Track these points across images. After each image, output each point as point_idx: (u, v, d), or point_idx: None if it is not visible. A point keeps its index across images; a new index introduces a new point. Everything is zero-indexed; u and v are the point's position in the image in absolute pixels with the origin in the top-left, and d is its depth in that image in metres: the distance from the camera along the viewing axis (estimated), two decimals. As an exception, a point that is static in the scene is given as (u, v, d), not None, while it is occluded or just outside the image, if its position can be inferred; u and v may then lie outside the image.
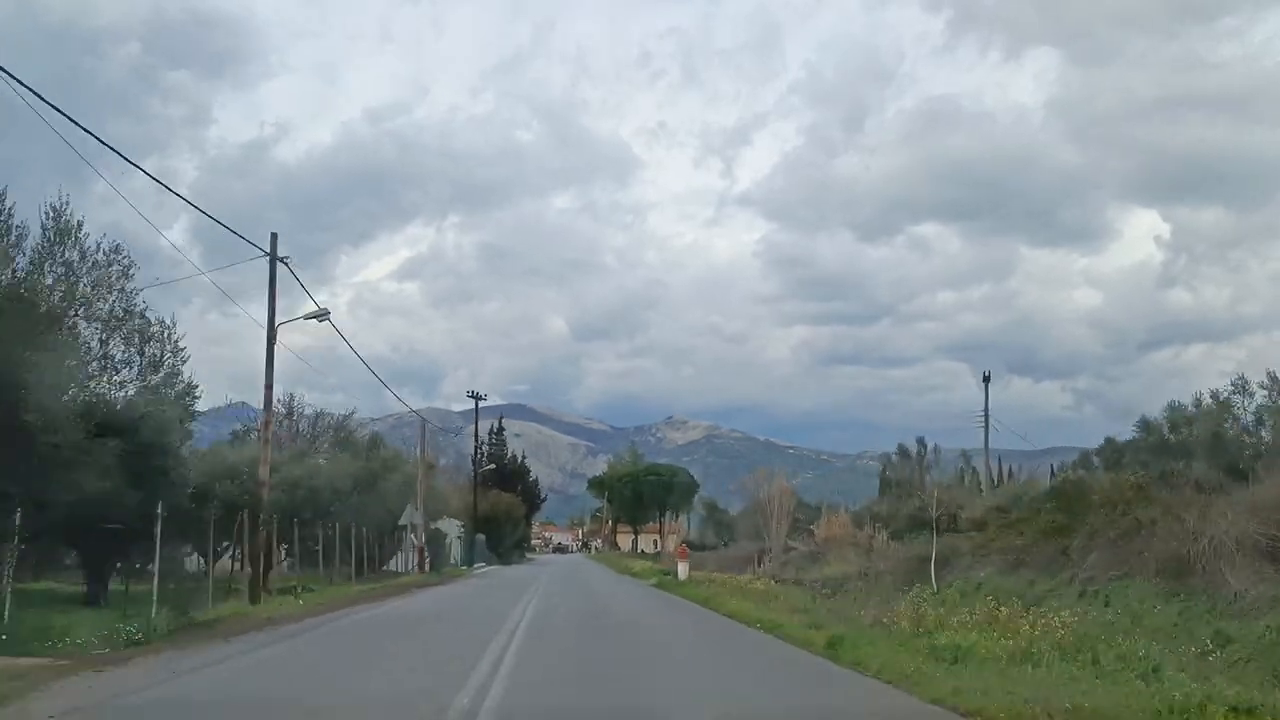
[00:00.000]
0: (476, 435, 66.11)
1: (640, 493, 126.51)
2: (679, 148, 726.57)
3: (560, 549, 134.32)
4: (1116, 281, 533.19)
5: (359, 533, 36.06)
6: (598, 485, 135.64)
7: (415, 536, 41.57)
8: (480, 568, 59.35)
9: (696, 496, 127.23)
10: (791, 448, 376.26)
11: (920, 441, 52.63)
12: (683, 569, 41.19)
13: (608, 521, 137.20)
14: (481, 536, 65.08)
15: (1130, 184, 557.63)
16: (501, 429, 78.32)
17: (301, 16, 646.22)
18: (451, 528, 63.07)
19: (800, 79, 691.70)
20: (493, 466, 74.33)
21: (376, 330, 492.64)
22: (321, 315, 25.38)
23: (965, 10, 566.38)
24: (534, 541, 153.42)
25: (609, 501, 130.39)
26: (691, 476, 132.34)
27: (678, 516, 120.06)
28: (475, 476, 67.36)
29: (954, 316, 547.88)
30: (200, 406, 25.45)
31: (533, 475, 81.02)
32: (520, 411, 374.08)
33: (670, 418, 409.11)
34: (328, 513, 32.15)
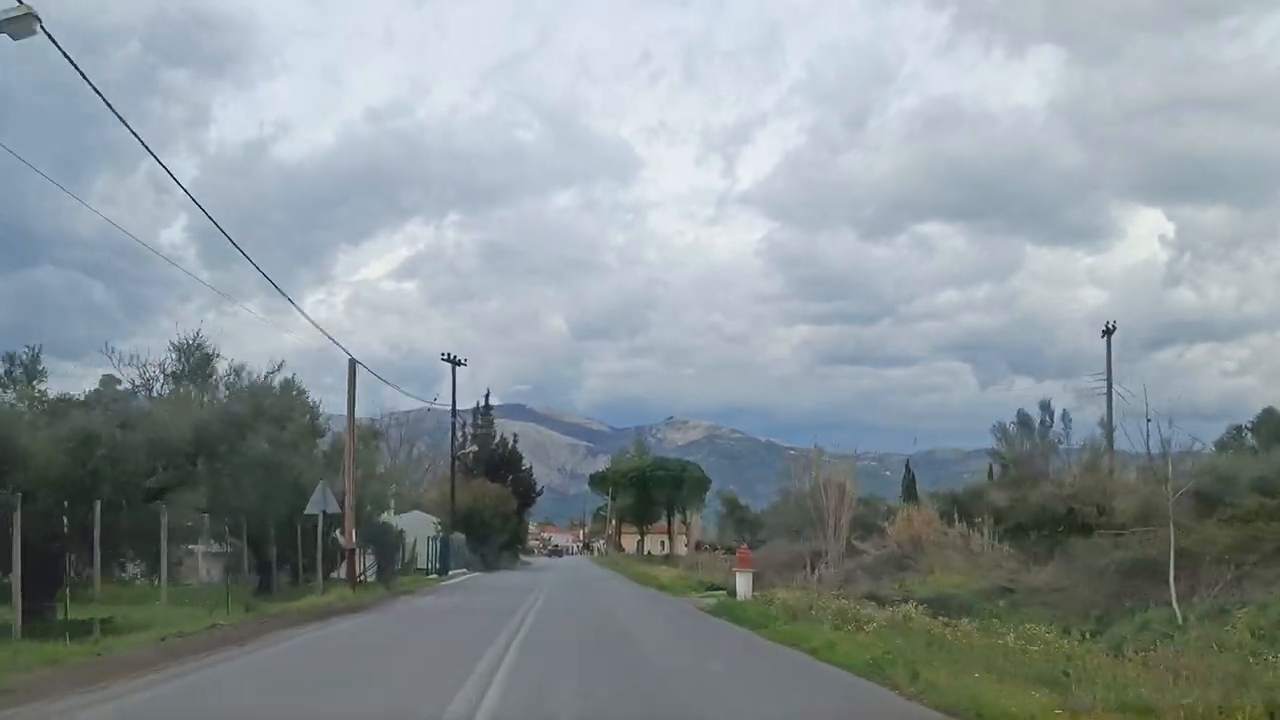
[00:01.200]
0: (454, 408, 51.39)
1: (647, 489, 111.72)
2: (680, 146, 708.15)
3: (555, 551, 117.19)
4: (1121, 281, 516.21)
5: (236, 525, 21.30)
6: (600, 481, 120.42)
7: (341, 536, 26.75)
8: (458, 575, 44.62)
9: (709, 493, 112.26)
10: (792, 448, 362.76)
11: (1045, 408, 37.87)
12: (743, 583, 26.53)
13: (611, 521, 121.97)
14: (461, 536, 50.28)
15: (1134, 183, 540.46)
16: (489, 407, 63.97)
17: (302, 16, 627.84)
18: (424, 525, 48.36)
19: (802, 79, 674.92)
20: (474, 449, 59.54)
21: (375, 329, 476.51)
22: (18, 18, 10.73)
23: (968, 9, 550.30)
24: (531, 543, 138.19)
25: (612, 499, 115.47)
26: (703, 471, 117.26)
27: (687, 515, 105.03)
28: (453, 459, 52.56)
29: (956, 316, 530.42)
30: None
31: (527, 464, 66.45)
32: (520, 412, 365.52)
33: (671, 418, 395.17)
34: (143, 491, 17.37)
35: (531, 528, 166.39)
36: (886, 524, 45.20)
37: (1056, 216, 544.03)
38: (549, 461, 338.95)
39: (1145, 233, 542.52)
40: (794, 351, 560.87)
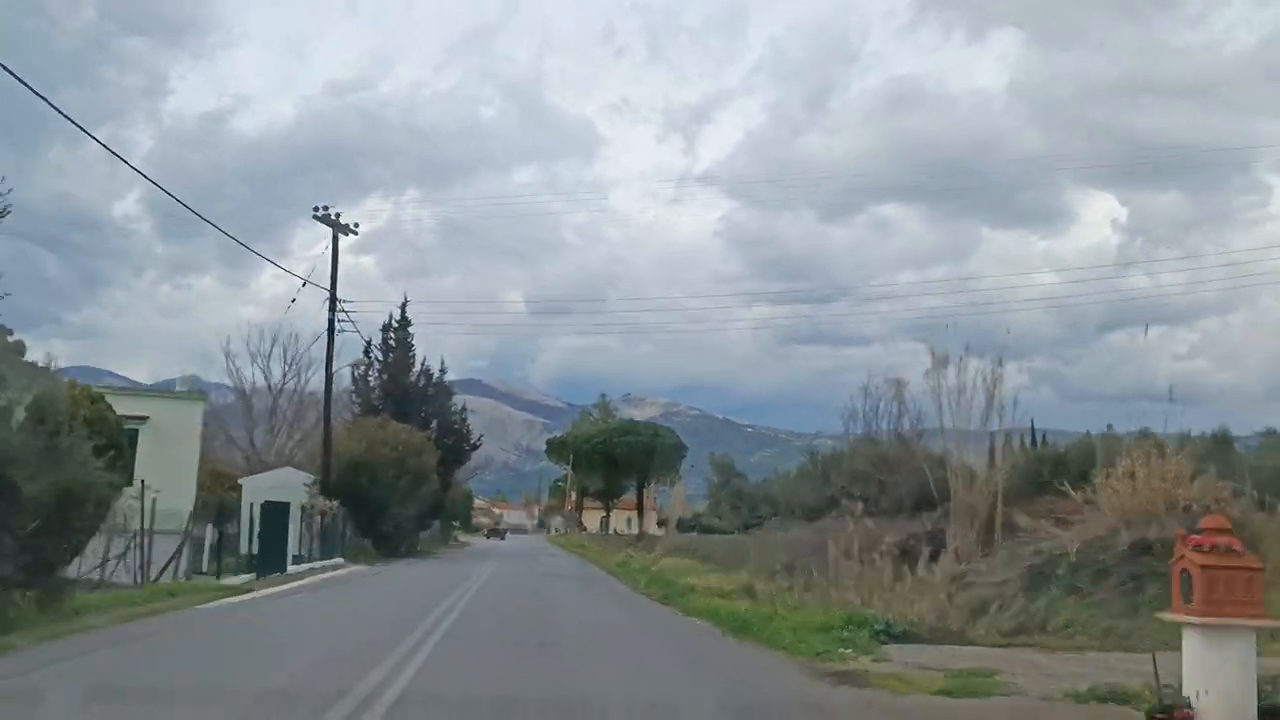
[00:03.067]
0: (333, 289, 29.57)
1: (614, 458, 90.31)
2: (642, 124, 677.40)
3: (498, 530, 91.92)
4: (1074, 264, 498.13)
5: None
6: (559, 449, 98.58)
7: None
8: (316, 571, 23.21)
9: (686, 462, 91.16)
10: (749, 426, 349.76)
11: None
12: (1235, 676, 5.29)
13: (571, 495, 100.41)
14: (335, 504, 28.60)
15: (1090, 167, 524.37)
16: (406, 321, 41.49)
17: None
18: (296, 488, 26.89)
19: (765, 57, 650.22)
20: (366, 364, 37.45)
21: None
22: None
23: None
24: (482, 520, 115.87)
25: (572, 469, 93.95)
26: (677, 437, 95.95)
27: (670, 485, 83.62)
28: (327, 375, 30.88)
29: (913, 297, 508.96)
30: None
31: (460, 405, 44.18)
32: (476, 387, 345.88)
33: (628, 395, 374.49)
34: None
35: (481, 503, 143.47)
36: (1078, 487, 24.34)
37: (1012, 199, 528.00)
38: (506, 438, 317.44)
39: (1099, 217, 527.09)
40: (752, 330, 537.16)
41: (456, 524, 65.58)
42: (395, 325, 40.71)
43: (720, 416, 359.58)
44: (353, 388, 39.15)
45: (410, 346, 40.97)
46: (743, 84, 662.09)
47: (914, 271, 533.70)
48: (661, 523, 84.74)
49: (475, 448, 44.98)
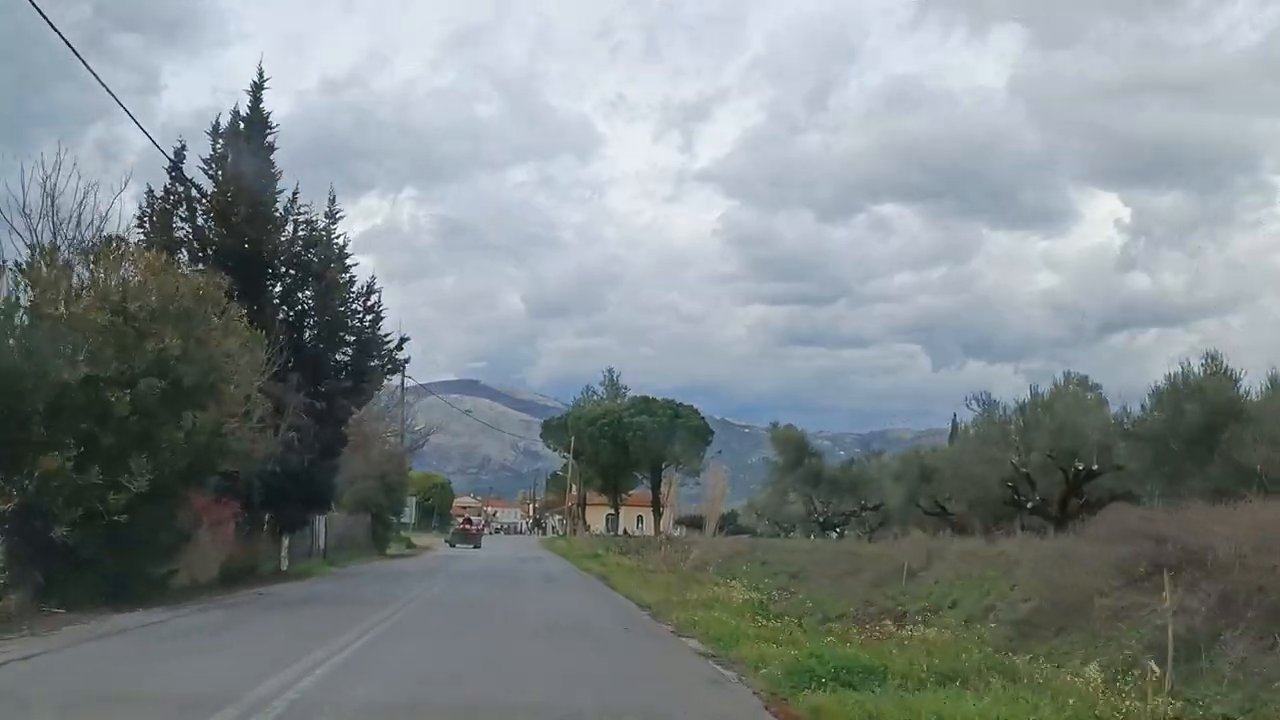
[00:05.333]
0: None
1: (623, 443, 68.39)
2: (639, 122, 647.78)
3: (466, 533, 56.25)
4: (1076, 264, 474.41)
5: None
6: (557, 433, 76.70)
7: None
8: None
9: (711, 447, 69.28)
10: (747, 427, 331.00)
11: None
12: None
13: (573, 488, 78.32)
14: None
15: (1091, 167, 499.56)
16: (262, 119, 20.47)
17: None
18: None
19: (762, 55, 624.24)
20: (187, 190, 14.53)
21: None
22: None
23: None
24: (473, 519, 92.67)
25: (574, 456, 72.03)
26: (702, 417, 74.14)
27: (699, 476, 61.55)
28: None
29: (911, 298, 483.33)
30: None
31: (366, 282, 21.90)
32: (474, 387, 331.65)
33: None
34: None
35: (472, 501, 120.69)
36: None
37: (1013, 199, 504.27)
38: (504, 438, 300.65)
39: (1101, 217, 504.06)
40: (749, 332, 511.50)
41: (409, 522, 43.29)
42: (241, 122, 18.84)
43: (718, 418, 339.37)
44: (142, 224, 17.32)
45: (272, 168, 19.10)
46: (741, 81, 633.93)
47: (911, 272, 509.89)
48: (681, 522, 62.39)
49: (394, 366, 22.13)
